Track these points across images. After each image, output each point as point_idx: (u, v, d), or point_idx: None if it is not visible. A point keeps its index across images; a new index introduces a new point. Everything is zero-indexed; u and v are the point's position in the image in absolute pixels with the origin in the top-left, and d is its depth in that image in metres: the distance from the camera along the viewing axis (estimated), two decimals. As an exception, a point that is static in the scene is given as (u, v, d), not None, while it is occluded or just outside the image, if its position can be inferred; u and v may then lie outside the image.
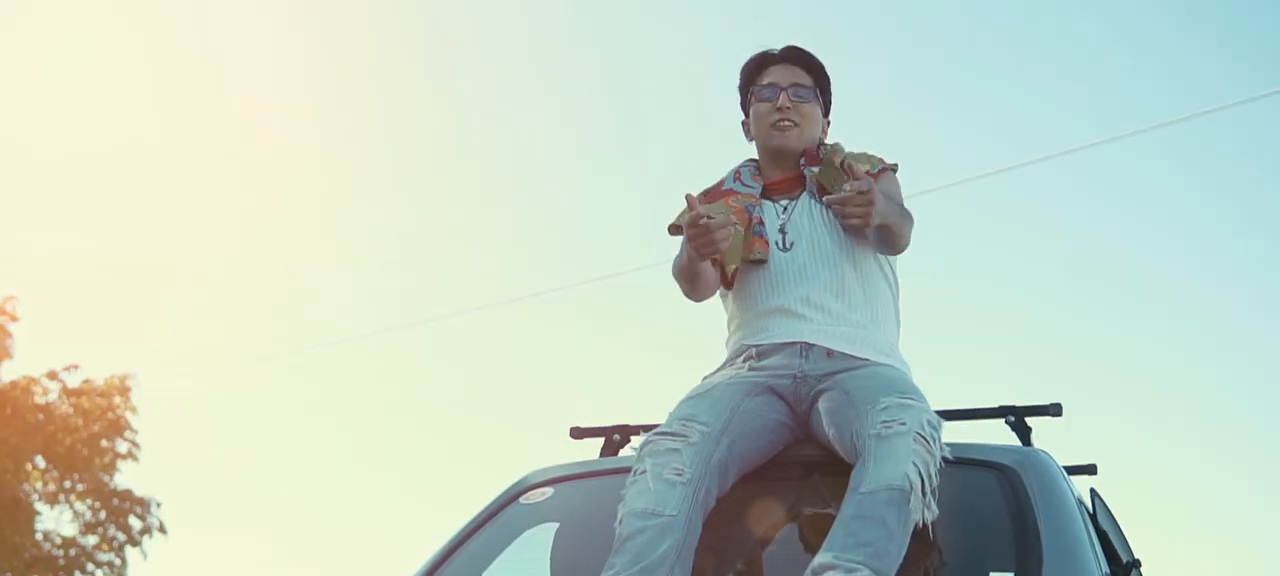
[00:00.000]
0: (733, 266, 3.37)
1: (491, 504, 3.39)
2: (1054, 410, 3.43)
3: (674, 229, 3.52)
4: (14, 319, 18.90)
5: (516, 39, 23.24)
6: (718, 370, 3.42)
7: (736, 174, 3.56)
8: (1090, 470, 3.76)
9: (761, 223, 3.42)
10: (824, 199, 3.25)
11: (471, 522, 3.33)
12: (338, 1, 24.20)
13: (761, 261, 3.39)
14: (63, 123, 25.99)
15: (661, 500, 2.92)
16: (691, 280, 3.39)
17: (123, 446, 18.82)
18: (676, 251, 3.44)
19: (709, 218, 3.17)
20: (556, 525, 3.38)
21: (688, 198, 3.20)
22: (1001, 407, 3.50)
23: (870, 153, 3.50)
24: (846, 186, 3.16)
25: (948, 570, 2.95)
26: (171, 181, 25.92)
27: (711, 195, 3.51)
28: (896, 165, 3.51)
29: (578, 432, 3.69)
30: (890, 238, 3.33)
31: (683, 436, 3.06)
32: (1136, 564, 3.35)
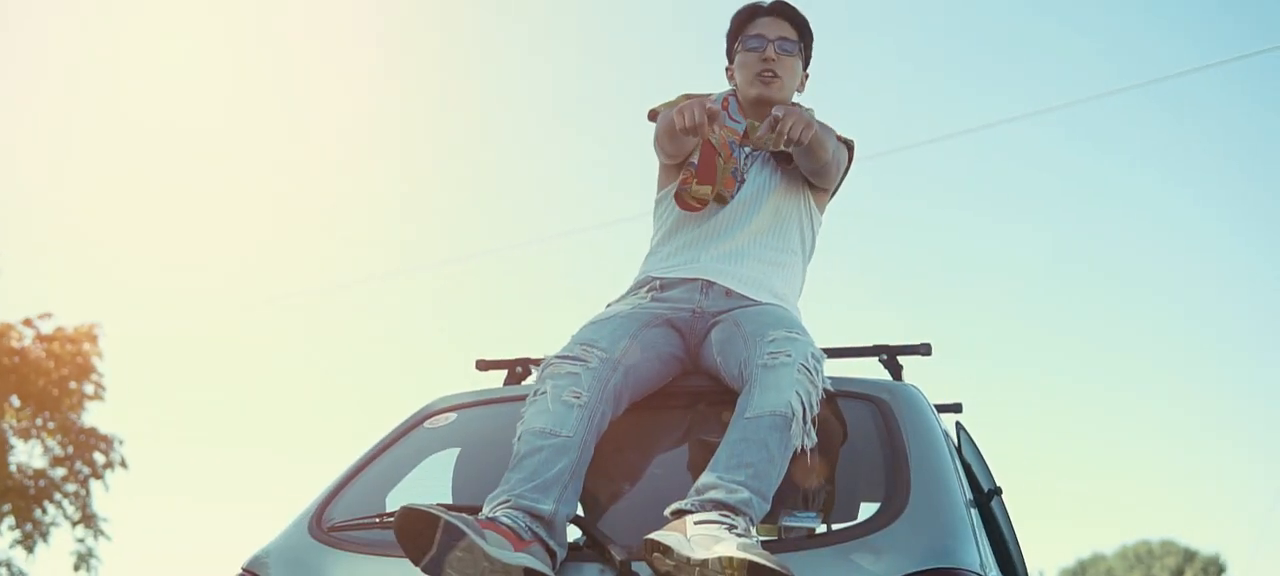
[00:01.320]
0: (707, 194, 3.33)
1: (397, 428, 3.36)
2: (924, 349, 3.47)
3: (653, 115, 3.51)
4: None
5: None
6: (621, 297, 3.42)
7: (725, 102, 3.53)
8: (956, 408, 3.79)
9: (738, 168, 3.42)
10: (767, 145, 3.25)
11: (377, 446, 3.30)
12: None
13: (723, 200, 3.39)
14: (44, 78, 25.71)
15: (559, 421, 2.91)
16: (678, 145, 3.37)
17: (89, 388, 19.02)
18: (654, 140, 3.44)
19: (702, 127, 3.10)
20: (459, 449, 3.37)
21: (709, 109, 3.10)
22: (875, 346, 3.53)
23: (829, 126, 3.45)
24: (774, 114, 3.14)
25: (823, 493, 2.97)
26: (145, 139, 25.71)
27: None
28: (852, 143, 3.53)
29: (483, 365, 3.66)
30: (821, 165, 3.35)
31: (582, 360, 3.04)
32: (998, 491, 3.40)
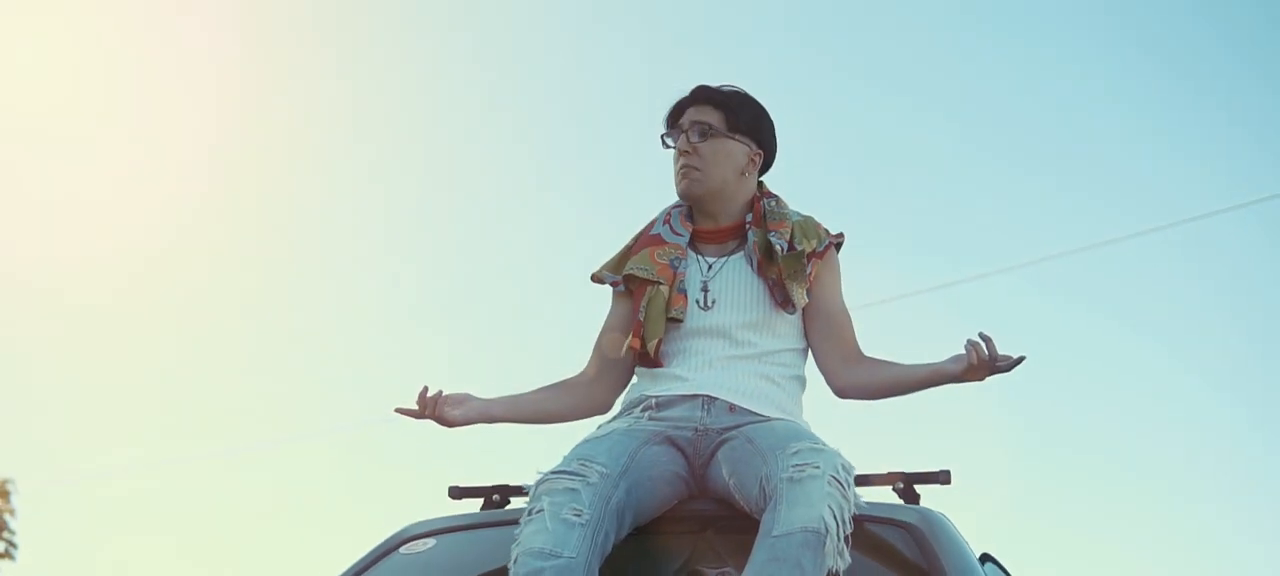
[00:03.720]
0: (655, 341, 2.93)
1: (369, 554, 2.87)
2: (943, 477, 3.08)
3: (595, 279, 3.13)
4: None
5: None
6: (613, 418, 2.98)
7: (667, 216, 3.10)
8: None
9: (684, 279, 2.99)
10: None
11: (347, 573, 2.83)
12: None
13: (678, 321, 2.96)
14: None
15: (560, 540, 2.49)
16: (545, 422, 3.10)
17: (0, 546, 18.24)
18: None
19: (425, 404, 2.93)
20: None
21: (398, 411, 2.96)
22: (891, 473, 3.11)
23: (815, 220, 3.07)
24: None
25: None
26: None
27: (641, 240, 3.09)
28: (841, 237, 3.09)
29: (457, 493, 3.17)
30: (894, 392, 3.03)
31: (581, 476, 2.63)
32: None
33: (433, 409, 2.92)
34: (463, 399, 2.97)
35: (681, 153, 3.03)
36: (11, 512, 18.52)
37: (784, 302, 2.97)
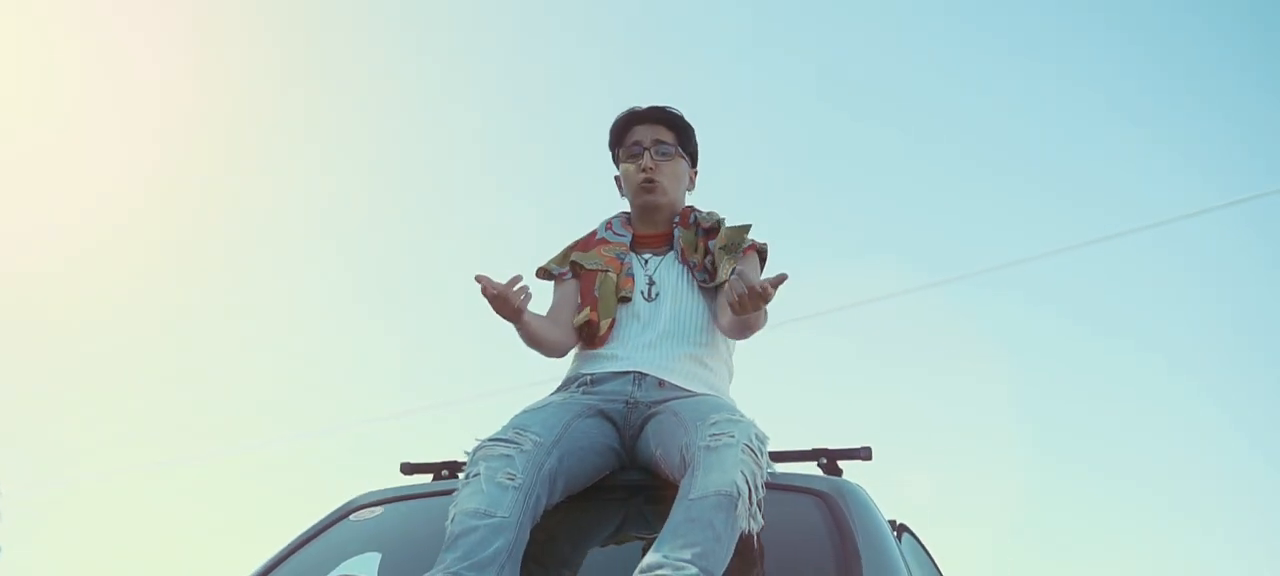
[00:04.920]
0: (608, 320, 3.17)
1: (320, 521, 3.02)
2: (864, 454, 3.26)
3: (542, 272, 3.35)
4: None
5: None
6: (551, 394, 3.15)
7: (608, 224, 3.37)
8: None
9: (631, 268, 3.25)
10: (731, 277, 2.94)
11: (299, 539, 2.95)
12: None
13: (627, 299, 3.19)
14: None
15: (494, 502, 2.64)
16: (537, 347, 3.20)
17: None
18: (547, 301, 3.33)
19: (499, 288, 3.01)
20: (380, 554, 3.07)
21: (477, 278, 2.99)
22: (815, 450, 3.28)
23: (744, 227, 3.31)
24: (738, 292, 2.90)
25: None
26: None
27: (586, 243, 3.34)
28: (766, 246, 3.32)
29: (408, 468, 3.34)
30: (745, 330, 3.12)
31: (516, 443, 2.78)
32: None
33: (515, 299, 2.99)
34: (527, 298, 3.05)
35: (647, 169, 3.29)
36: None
37: (711, 273, 3.20)
